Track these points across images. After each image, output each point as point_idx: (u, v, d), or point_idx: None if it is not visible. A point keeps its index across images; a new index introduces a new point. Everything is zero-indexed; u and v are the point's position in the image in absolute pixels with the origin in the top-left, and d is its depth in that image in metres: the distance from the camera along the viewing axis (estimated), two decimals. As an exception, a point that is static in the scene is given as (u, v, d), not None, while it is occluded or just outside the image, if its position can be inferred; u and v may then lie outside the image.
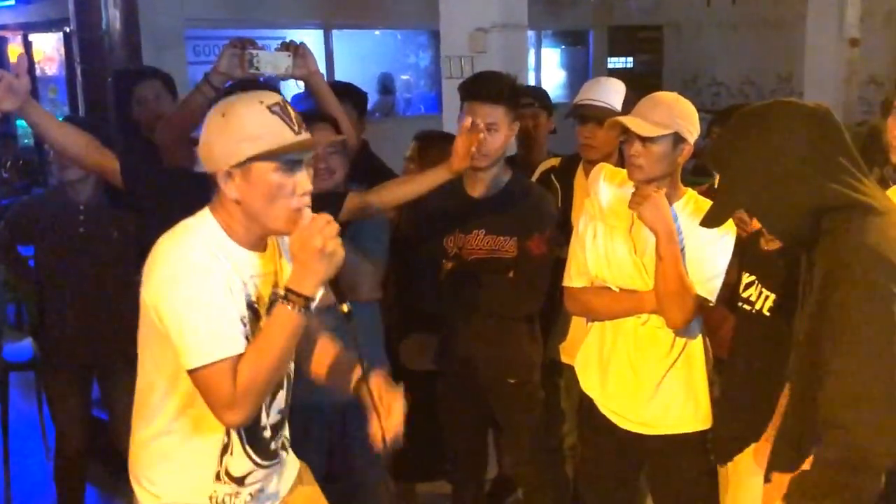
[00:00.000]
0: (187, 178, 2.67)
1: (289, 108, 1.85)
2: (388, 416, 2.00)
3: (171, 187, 2.66)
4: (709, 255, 2.55)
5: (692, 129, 2.57)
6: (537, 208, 2.97)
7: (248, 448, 1.98)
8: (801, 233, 1.90)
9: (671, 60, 12.98)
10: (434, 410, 3.21)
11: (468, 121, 2.67)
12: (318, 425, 3.03)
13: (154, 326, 1.81)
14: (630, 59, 13.07)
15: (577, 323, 3.12)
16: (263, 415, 2.00)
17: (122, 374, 3.15)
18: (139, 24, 4.90)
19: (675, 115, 2.54)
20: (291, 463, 2.21)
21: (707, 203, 2.63)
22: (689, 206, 2.63)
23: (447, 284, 2.96)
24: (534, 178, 3.45)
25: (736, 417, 2.51)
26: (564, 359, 3.27)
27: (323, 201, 2.75)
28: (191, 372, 1.77)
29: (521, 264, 2.91)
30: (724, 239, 2.55)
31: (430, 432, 3.33)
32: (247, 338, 1.82)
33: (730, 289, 2.59)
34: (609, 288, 2.69)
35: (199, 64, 8.38)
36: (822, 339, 1.80)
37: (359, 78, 11.09)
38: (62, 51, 8.87)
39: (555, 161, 3.56)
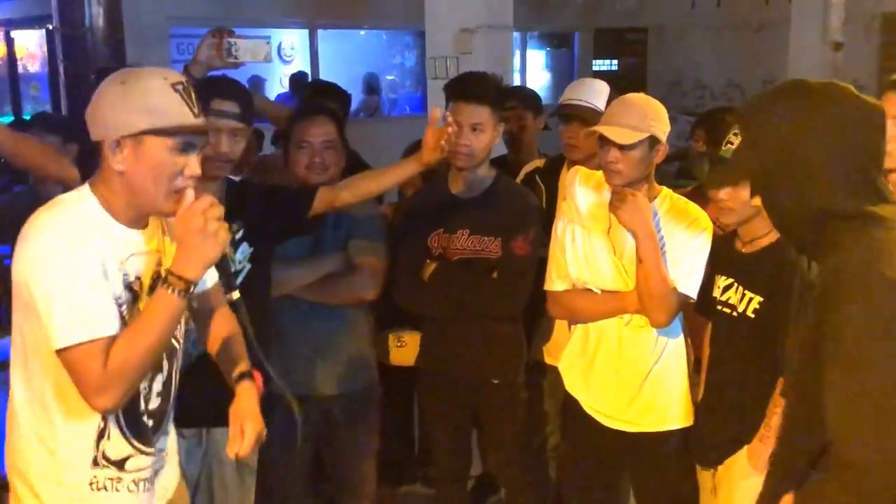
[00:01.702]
0: None
1: (191, 90, 1.80)
2: (240, 437, 1.97)
3: None
4: (687, 252, 2.57)
5: (664, 128, 2.59)
6: (522, 209, 2.97)
7: (126, 433, 1.91)
8: (802, 233, 1.79)
9: (656, 63, 13.03)
10: (411, 409, 3.20)
11: (437, 112, 2.66)
12: (302, 419, 3.01)
13: (26, 304, 1.75)
14: (615, 61, 13.11)
15: (560, 324, 3.12)
16: (142, 400, 1.93)
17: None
18: (122, 22, 4.88)
19: (648, 117, 2.56)
20: (173, 467, 2.12)
21: (684, 202, 2.66)
22: (665, 204, 2.65)
23: (431, 284, 2.95)
24: (518, 179, 3.45)
25: (726, 421, 2.51)
26: (548, 360, 3.27)
27: (293, 196, 2.76)
28: (59, 352, 1.71)
29: (505, 265, 2.91)
30: (701, 236, 2.58)
31: (408, 434, 3.33)
32: (123, 319, 1.77)
33: (700, 292, 2.59)
34: (590, 290, 2.70)
35: (183, 62, 8.34)
36: (824, 355, 1.70)
37: (344, 78, 11.10)
38: (45, 48, 8.81)
39: (539, 162, 3.57)
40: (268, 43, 2.88)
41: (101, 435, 1.87)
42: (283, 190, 2.88)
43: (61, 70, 5.09)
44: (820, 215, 1.72)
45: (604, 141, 2.56)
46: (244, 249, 2.58)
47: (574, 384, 2.81)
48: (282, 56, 11.04)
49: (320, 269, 2.90)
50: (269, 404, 2.88)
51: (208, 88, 2.60)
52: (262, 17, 8.96)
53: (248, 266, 2.59)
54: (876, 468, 1.58)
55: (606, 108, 3.12)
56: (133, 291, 1.83)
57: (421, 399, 3.20)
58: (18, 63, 9.54)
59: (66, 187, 2.82)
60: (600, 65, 13.01)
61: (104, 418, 1.86)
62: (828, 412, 1.65)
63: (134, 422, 1.92)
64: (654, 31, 12.97)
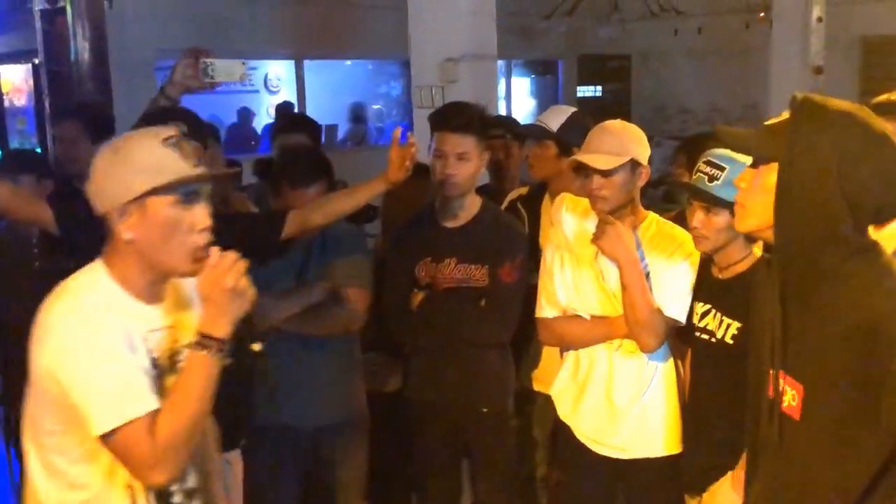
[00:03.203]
0: None
1: (184, 141, 1.79)
2: None
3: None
4: (673, 276, 2.59)
5: (644, 151, 2.63)
6: (508, 236, 2.98)
7: None
8: (808, 255, 1.67)
9: (639, 89, 13.15)
10: (398, 433, 3.20)
11: (398, 131, 2.69)
12: (288, 450, 3.00)
13: (51, 396, 1.70)
14: (599, 87, 13.21)
15: (548, 351, 3.13)
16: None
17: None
18: (108, 56, 4.89)
19: (626, 141, 2.59)
20: None
21: (671, 226, 2.68)
22: (652, 228, 2.68)
23: (419, 313, 2.96)
24: (503, 207, 3.47)
25: (708, 447, 2.51)
26: (537, 387, 3.27)
27: (265, 221, 2.77)
28: (103, 437, 1.66)
29: (492, 293, 2.92)
30: (687, 260, 2.60)
31: (396, 457, 3.32)
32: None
33: None
34: (580, 316, 2.71)
35: (170, 95, 8.34)
36: (882, 409, 1.58)
37: (330, 107, 11.16)
38: (31, 82, 8.82)
39: (523, 190, 3.61)
40: (243, 63, 2.90)
41: None
42: (254, 215, 2.88)
43: (47, 104, 5.09)
44: (842, 243, 1.63)
45: (586, 170, 2.59)
46: None
47: (565, 410, 2.81)
48: (268, 87, 11.09)
49: (305, 301, 2.90)
50: (256, 436, 2.89)
51: (154, 119, 2.60)
52: (249, 48, 8.98)
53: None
54: None
55: (564, 127, 3.21)
56: (158, 367, 1.79)
57: (410, 428, 3.20)
58: (5, 97, 9.55)
59: (42, 229, 2.81)
60: (585, 91, 13.10)
61: None
62: None
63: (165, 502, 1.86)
64: (638, 57, 13.09)
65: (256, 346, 1.85)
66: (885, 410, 1.56)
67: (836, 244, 1.63)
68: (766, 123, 1.76)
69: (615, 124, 2.66)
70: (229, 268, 1.71)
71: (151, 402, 1.68)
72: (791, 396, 1.72)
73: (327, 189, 2.97)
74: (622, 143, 2.58)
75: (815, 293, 1.66)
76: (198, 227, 1.76)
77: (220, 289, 1.70)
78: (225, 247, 2.54)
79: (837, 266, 1.63)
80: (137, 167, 1.72)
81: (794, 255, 1.68)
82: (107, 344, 1.68)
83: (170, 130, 1.79)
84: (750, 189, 1.75)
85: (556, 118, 3.35)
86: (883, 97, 2.55)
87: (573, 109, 3.44)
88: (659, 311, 2.56)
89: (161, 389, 1.75)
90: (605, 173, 2.55)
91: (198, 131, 2.60)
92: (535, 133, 3.35)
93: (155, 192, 1.72)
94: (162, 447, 1.66)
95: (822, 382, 1.67)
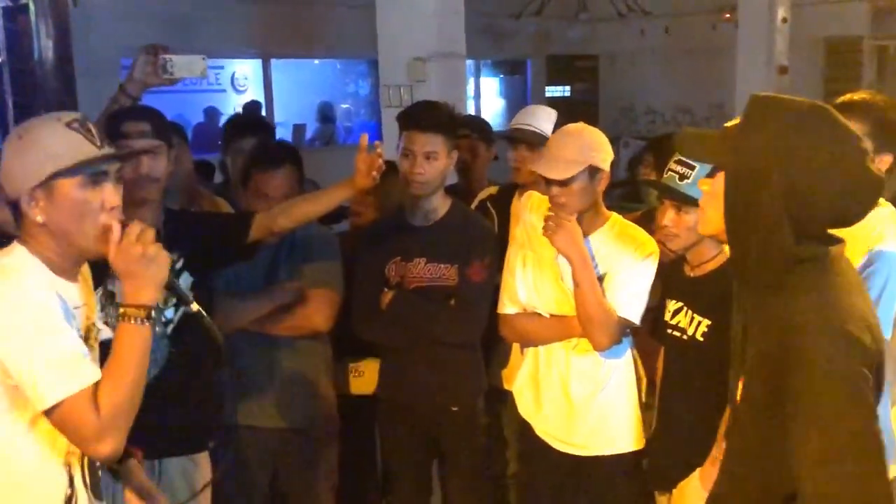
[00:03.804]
0: None
1: (89, 123, 1.82)
2: None
3: None
4: (631, 277, 2.61)
5: (604, 156, 2.61)
6: (477, 236, 2.99)
7: (90, 492, 1.89)
8: (757, 269, 1.63)
9: (607, 89, 13.25)
10: (373, 438, 3.19)
11: (365, 139, 2.67)
12: (255, 451, 3.00)
13: None
14: (567, 87, 13.28)
15: (518, 349, 3.14)
16: None
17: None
18: (72, 55, 4.82)
19: (584, 147, 2.59)
20: None
21: (633, 227, 2.69)
22: (615, 229, 2.69)
23: (389, 313, 2.95)
24: (472, 206, 3.48)
25: (678, 444, 2.54)
26: (507, 385, 3.27)
27: (231, 223, 2.76)
28: (49, 411, 1.67)
29: (462, 292, 2.92)
30: (645, 262, 2.62)
31: (370, 463, 3.31)
32: None
33: (653, 317, 2.63)
34: (539, 314, 2.73)
35: (136, 94, 8.26)
36: (785, 418, 1.56)
37: (298, 107, 11.11)
38: (-7, 81, 8.70)
39: (493, 189, 3.61)
40: (203, 58, 2.87)
41: (70, 501, 1.83)
42: (220, 217, 2.85)
43: (10, 104, 5.00)
44: (780, 255, 1.58)
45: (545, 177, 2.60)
46: (186, 279, 2.55)
47: (526, 408, 2.83)
48: (235, 86, 11.02)
49: (273, 302, 2.89)
50: (224, 436, 2.87)
51: (118, 116, 2.59)
52: (216, 46, 8.91)
53: (191, 295, 2.55)
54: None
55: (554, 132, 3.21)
56: (87, 343, 1.81)
57: (381, 428, 3.19)
58: (-34, 96, 9.42)
59: (2, 230, 2.76)
60: (553, 91, 13.16)
61: (71, 483, 1.83)
62: (795, 465, 1.56)
63: (94, 477, 1.90)
64: (605, 57, 13.19)
65: (194, 306, 1.90)
66: (787, 392, 1.54)
67: (775, 256, 1.58)
68: (725, 126, 1.72)
69: (574, 129, 2.66)
70: (136, 237, 1.75)
71: (95, 373, 1.71)
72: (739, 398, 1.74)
73: (296, 177, 2.95)
74: (580, 150, 2.57)
75: (762, 302, 1.67)
76: (107, 206, 1.79)
77: (133, 260, 1.74)
78: (193, 248, 2.54)
79: (777, 277, 1.60)
80: (42, 152, 1.75)
81: (742, 264, 1.66)
82: (45, 317, 1.70)
83: (74, 115, 1.82)
84: (709, 195, 1.72)
85: (543, 121, 3.34)
86: (846, 97, 2.58)
87: (551, 110, 3.44)
88: (610, 310, 2.58)
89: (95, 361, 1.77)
90: (562, 182, 2.56)
91: (162, 130, 2.58)
92: (531, 140, 3.30)
93: (60, 174, 1.75)
94: (106, 418, 1.68)
95: (749, 390, 1.69)
